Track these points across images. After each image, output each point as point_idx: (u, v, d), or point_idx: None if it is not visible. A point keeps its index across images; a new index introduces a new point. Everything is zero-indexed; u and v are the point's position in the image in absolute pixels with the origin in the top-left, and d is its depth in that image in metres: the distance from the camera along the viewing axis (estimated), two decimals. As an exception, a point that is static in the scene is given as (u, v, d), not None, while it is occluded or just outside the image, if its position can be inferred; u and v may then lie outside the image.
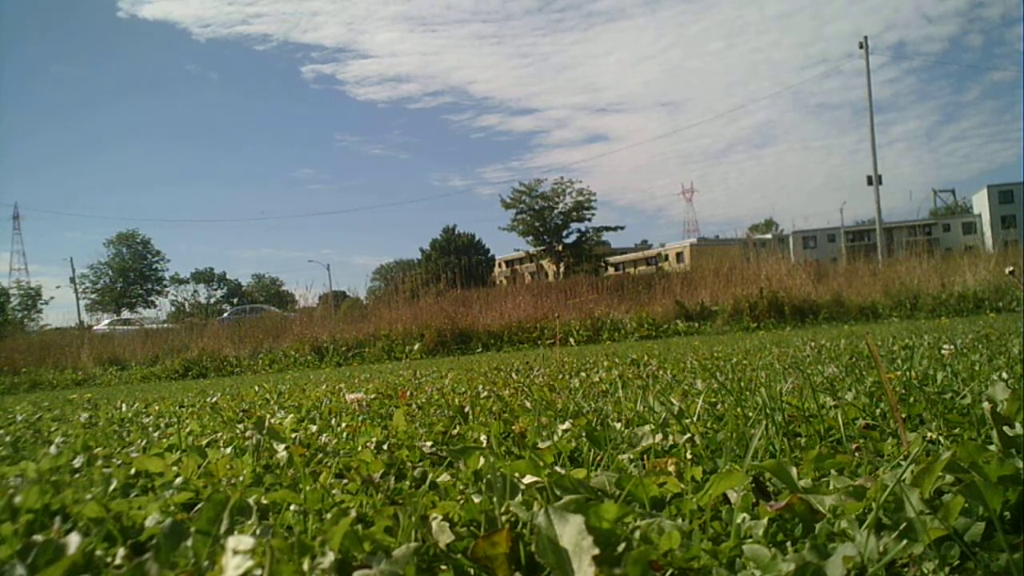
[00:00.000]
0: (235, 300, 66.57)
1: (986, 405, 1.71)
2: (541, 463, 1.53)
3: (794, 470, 1.32)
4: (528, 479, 1.42)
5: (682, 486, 1.37)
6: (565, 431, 2.08)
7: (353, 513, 1.25)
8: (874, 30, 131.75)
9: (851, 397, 2.28)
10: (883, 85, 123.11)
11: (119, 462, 2.11)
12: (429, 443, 2.08)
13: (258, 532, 1.22)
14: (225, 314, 31.79)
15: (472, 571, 1.06)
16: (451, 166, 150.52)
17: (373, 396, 3.83)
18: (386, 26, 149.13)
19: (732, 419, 2.03)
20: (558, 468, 1.54)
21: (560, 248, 67.05)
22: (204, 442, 2.48)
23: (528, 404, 2.94)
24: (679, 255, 64.11)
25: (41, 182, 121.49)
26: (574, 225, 67.54)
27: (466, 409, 2.88)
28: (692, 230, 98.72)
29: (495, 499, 1.27)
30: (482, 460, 1.67)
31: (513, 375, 5.07)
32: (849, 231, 67.25)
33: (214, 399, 5.16)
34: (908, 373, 2.63)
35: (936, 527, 1.01)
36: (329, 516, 1.32)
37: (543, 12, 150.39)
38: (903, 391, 2.34)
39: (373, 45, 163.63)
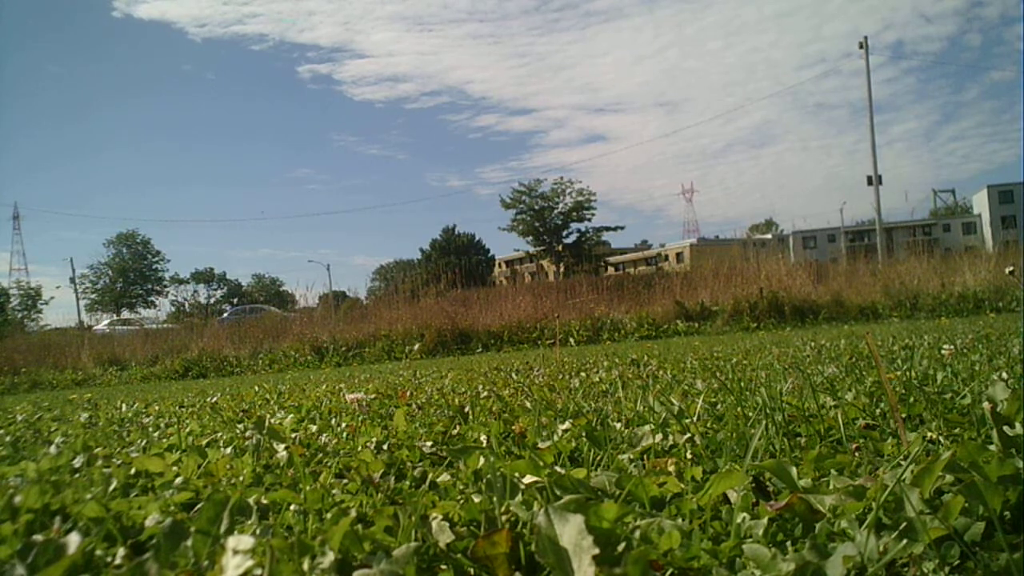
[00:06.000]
0: (235, 300, 66.59)
1: (986, 405, 1.71)
2: (541, 463, 1.53)
3: (794, 470, 1.32)
4: (528, 479, 1.42)
5: (682, 486, 1.37)
6: (565, 431, 2.08)
7: (353, 513, 1.25)
8: (872, 30, 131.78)
9: (851, 397, 2.28)
10: (881, 85, 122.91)
11: (119, 462, 2.11)
12: (429, 443, 2.08)
13: (258, 532, 1.22)
14: (225, 314, 31.81)
15: (472, 571, 1.06)
16: (449, 166, 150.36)
17: (373, 396, 3.83)
18: (383, 26, 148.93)
19: (732, 419, 2.03)
20: (558, 468, 1.54)
21: (560, 248, 67.11)
22: (204, 442, 2.48)
23: (528, 404, 2.94)
24: (679, 255, 64.08)
25: (41, 182, 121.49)
26: (574, 225, 67.70)
27: (466, 409, 2.88)
28: (692, 230, 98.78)
29: (495, 499, 1.27)
30: (482, 460, 1.67)
31: (513, 375, 5.07)
32: (849, 231, 67.24)
33: (214, 399, 5.16)
34: (908, 373, 2.63)
35: (936, 527, 1.01)
36: (329, 516, 1.32)
37: (540, 12, 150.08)
38: (903, 391, 2.34)
39: (370, 45, 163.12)
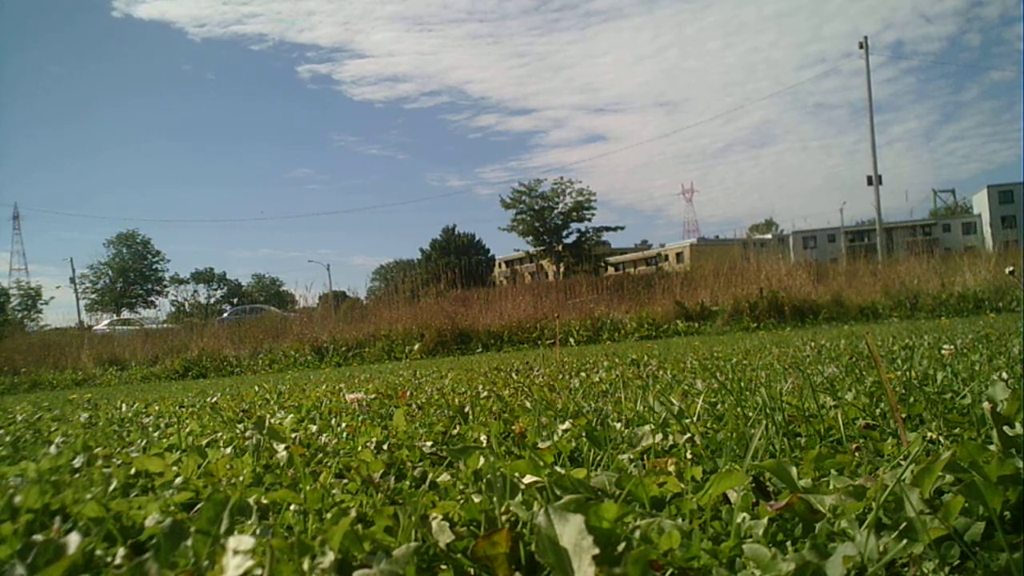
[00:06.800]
0: (235, 300, 66.58)
1: (986, 405, 1.71)
2: (541, 463, 1.53)
3: (794, 470, 1.32)
4: (528, 479, 1.42)
5: (682, 486, 1.37)
6: (565, 431, 2.08)
7: (353, 513, 1.25)
8: (872, 29, 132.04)
9: (851, 397, 2.28)
10: (881, 85, 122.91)
11: (119, 462, 2.11)
12: (429, 443, 2.08)
13: (258, 532, 1.22)
14: (225, 314, 31.83)
15: (472, 571, 1.06)
16: (449, 166, 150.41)
17: (373, 396, 3.83)
18: (382, 26, 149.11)
19: (732, 419, 2.03)
20: (558, 468, 1.54)
21: (560, 248, 67.09)
22: (204, 442, 2.48)
23: (528, 404, 2.94)
24: (679, 255, 64.06)
25: (41, 182, 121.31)
26: (574, 225, 67.65)
27: (466, 409, 2.88)
28: (692, 230, 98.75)
29: (495, 499, 1.27)
30: (482, 460, 1.67)
31: (513, 375, 5.07)
32: (849, 231, 67.21)
33: (214, 399, 5.16)
34: (908, 373, 2.63)
35: (936, 527, 1.01)
36: (329, 516, 1.32)
37: (539, 12, 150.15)
38: (903, 391, 2.34)
39: (369, 45, 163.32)
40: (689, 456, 1.71)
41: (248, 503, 1.37)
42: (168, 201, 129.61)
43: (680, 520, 1.20)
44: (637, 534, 1.06)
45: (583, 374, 4.54)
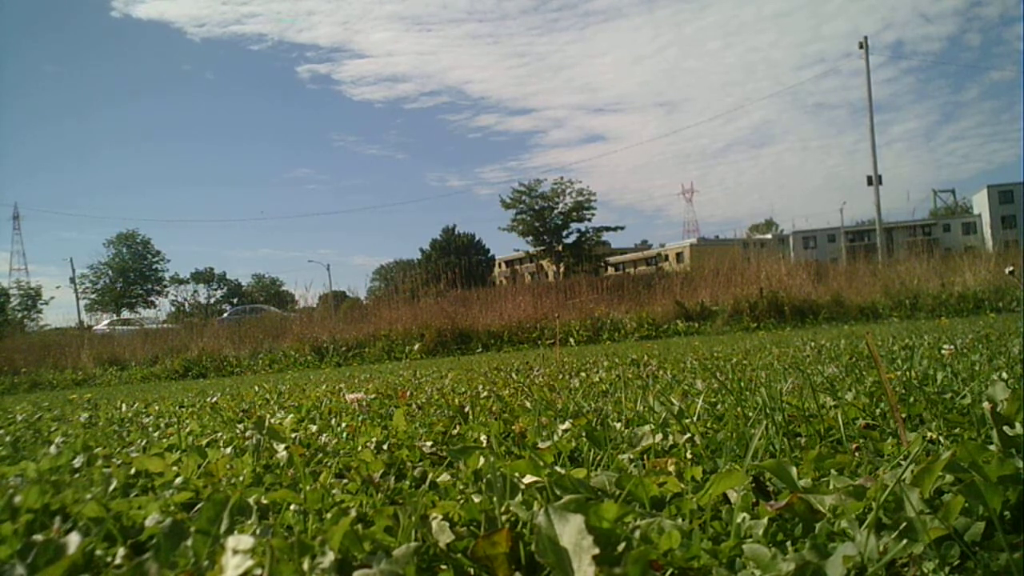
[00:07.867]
0: (235, 300, 66.53)
1: (986, 405, 1.71)
2: (541, 463, 1.53)
3: (794, 470, 1.32)
4: (528, 479, 1.42)
5: (682, 486, 1.37)
6: (565, 431, 2.08)
7: (353, 513, 1.25)
8: (872, 29, 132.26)
9: (851, 397, 2.28)
10: (881, 85, 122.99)
11: (119, 462, 2.11)
12: (429, 443, 2.08)
13: (258, 532, 1.22)
14: (225, 314, 31.81)
15: (472, 571, 1.06)
16: (449, 166, 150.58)
17: (373, 396, 3.83)
18: (381, 25, 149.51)
19: (732, 419, 2.03)
20: (558, 468, 1.54)
21: (560, 248, 67.08)
22: (204, 442, 2.48)
23: (528, 404, 2.94)
24: (679, 255, 64.02)
25: (41, 182, 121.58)
26: (574, 225, 67.64)
27: (466, 409, 2.88)
28: (692, 230, 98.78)
29: (495, 499, 1.27)
30: (482, 460, 1.67)
31: (513, 375, 5.07)
32: (849, 231, 67.19)
33: (214, 399, 5.16)
34: (908, 373, 2.63)
35: (936, 527, 1.01)
36: (329, 516, 1.32)
37: (539, 12, 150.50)
38: (903, 391, 2.34)
39: (369, 45, 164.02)
40: (689, 456, 1.71)
41: (248, 503, 1.37)
42: (168, 201, 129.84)
43: (680, 520, 1.20)
44: (637, 534, 1.06)
45: (583, 374, 4.54)
